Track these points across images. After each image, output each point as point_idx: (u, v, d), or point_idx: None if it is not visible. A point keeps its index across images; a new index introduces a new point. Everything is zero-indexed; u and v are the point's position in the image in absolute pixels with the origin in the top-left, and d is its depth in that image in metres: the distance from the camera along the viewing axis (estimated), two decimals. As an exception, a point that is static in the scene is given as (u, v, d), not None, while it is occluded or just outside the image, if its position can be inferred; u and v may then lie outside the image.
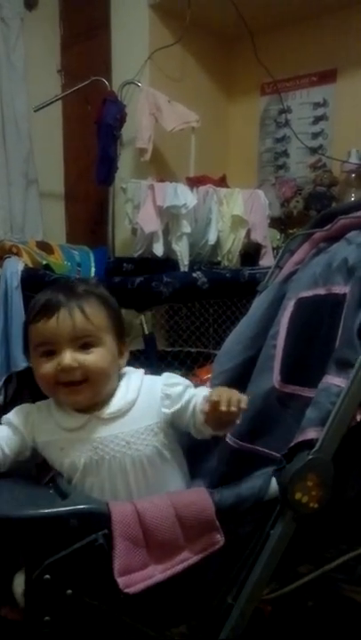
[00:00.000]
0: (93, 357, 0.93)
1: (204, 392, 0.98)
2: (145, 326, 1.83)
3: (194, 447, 1.07)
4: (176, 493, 0.87)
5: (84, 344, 0.93)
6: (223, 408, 0.87)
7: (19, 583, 0.79)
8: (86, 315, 0.93)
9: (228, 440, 1.11)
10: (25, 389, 1.94)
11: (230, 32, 2.72)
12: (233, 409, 0.87)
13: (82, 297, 0.94)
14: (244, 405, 0.88)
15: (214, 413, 0.90)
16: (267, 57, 2.61)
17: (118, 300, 1.82)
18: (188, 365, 1.89)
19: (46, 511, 0.79)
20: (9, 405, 1.93)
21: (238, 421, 0.92)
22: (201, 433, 0.98)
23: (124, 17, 2.60)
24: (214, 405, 0.89)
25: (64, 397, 0.94)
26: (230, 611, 0.86)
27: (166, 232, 2.22)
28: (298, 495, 0.84)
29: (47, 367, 0.93)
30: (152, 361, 1.78)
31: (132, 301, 1.80)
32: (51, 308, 0.92)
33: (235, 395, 0.89)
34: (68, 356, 0.91)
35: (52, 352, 0.93)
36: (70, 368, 0.91)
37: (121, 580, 0.76)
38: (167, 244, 2.22)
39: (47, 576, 0.77)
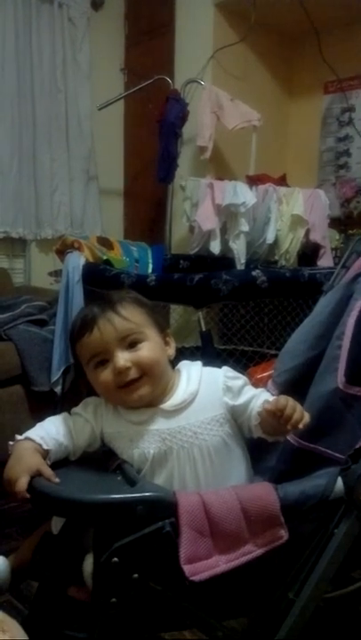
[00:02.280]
0: (143, 352, 0.96)
1: (264, 395, 1.01)
2: (202, 323, 1.84)
3: (253, 444, 1.08)
4: (241, 487, 0.88)
5: (131, 343, 0.96)
6: (289, 427, 0.91)
7: (89, 563, 0.82)
8: (123, 316, 0.97)
9: (288, 439, 1.11)
10: (81, 380, 1.99)
11: (294, 31, 2.71)
12: (289, 428, 0.92)
13: (115, 303, 0.98)
14: (301, 427, 0.92)
15: (270, 422, 0.94)
16: (331, 55, 2.58)
17: (177, 296, 1.86)
18: (244, 364, 1.88)
19: (114, 497, 0.82)
20: (67, 395, 1.99)
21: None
22: (250, 433, 1.01)
23: (188, 16, 2.63)
24: (274, 415, 0.92)
25: (128, 398, 0.97)
26: (291, 606, 0.87)
27: (224, 230, 2.23)
28: (364, 496, 0.84)
29: (104, 375, 0.96)
30: (208, 358, 1.79)
31: (190, 298, 1.81)
32: (89, 321, 0.97)
33: (298, 414, 0.91)
34: (121, 358, 0.94)
35: (104, 361, 0.96)
36: (126, 368, 0.94)
37: (187, 568, 0.78)
38: (224, 243, 2.23)
39: (115, 559, 0.79)
